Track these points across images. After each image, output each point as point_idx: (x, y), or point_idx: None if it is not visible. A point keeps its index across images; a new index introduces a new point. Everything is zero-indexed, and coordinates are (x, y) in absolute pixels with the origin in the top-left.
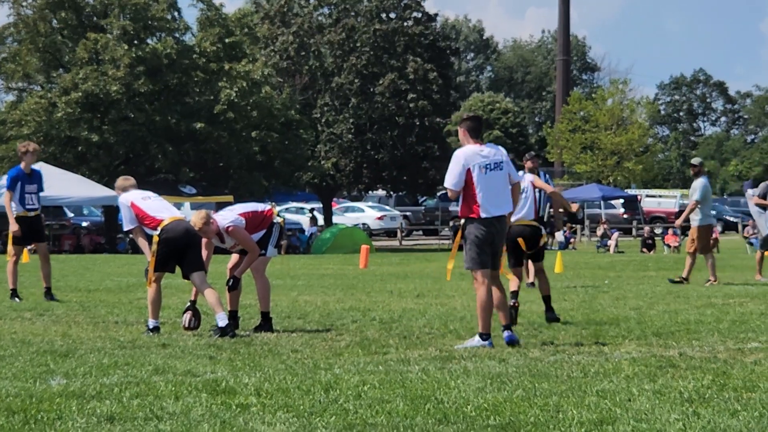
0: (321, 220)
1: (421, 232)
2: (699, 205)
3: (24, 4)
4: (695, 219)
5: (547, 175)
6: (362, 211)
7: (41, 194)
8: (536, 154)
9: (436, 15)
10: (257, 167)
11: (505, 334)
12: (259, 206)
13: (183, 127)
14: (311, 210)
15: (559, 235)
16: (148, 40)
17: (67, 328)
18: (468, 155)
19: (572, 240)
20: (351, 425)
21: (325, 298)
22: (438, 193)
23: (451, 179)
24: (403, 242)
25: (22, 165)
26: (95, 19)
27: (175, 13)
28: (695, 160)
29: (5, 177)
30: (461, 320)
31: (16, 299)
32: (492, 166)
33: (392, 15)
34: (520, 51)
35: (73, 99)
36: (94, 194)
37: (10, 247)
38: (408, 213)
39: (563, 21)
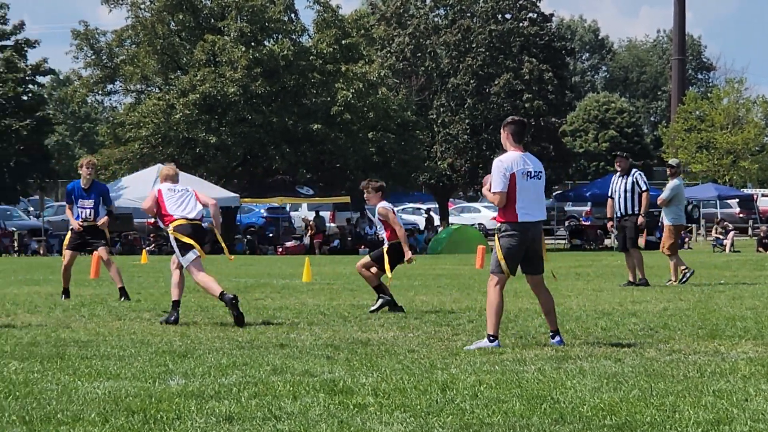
0: (437, 221)
1: None
2: (671, 205)
3: (142, 6)
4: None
5: (638, 175)
6: (478, 211)
7: (107, 206)
8: (625, 155)
9: (552, 15)
10: (374, 168)
11: (555, 339)
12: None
13: (300, 128)
14: (427, 210)
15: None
16: (265, 42)
17: (186, 328)
18: (512, 161)
19: (687, 239)
20: (468, 425)
21: (441, 298)
22: (554, 193)
23: (498, 184)
24: None
25: (81, 180)
26: (212, 21)
27: (292, 15)
28: (673, 161)
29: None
30: (577, 320)
31: (63, 297)
32: (532, 174)
33: (508, 16)
34: (635, 51)
35: (191, 101)
36: (212, 195)
37: (64, 251)
38: None
39: (678, 20)
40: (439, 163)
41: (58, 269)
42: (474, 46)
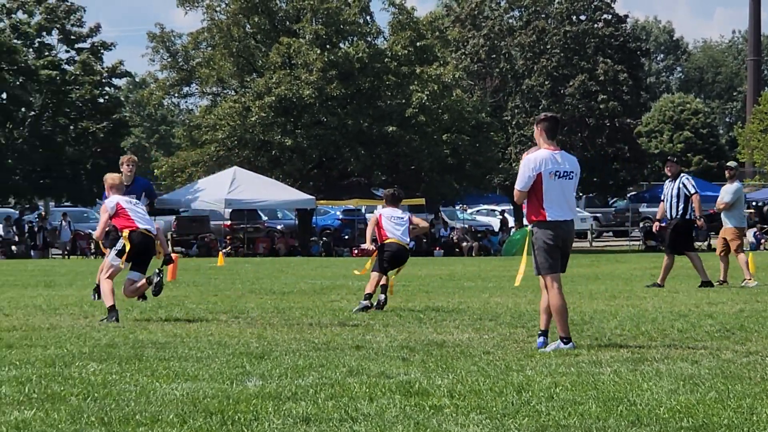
0: (511, 222)
1: (611, 234)
2: (733, 209)
3: (218, 9)
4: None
5: (685, 180)
6: None
7: (148, 202)
8: (675, 160)
9: (627, 16)
10: (448, 170)
11: (540, 339)
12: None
13: (375, 130)
14: (502, 212)
15: (750, 236)
16: (341, 44)
17: (263, 330)
18: (539, 160)
19: (763, 240)
20: (544, 427)
21: (516, 299)
22: (628, 194)
23: (521, 182)
24: (594, 243)
25: (124, 178)
26: (288, 23)
27: (367, 17)
28: (732, 164)
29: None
30: (653, 322)
31: (96, 297)
32: (562, 174)
33: (582, 17)
34: (710, 51)
35: (267, 103)
36: (288, 198)
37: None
38: (598, 214)
39: (753, 21)
40: (513, 164)
41: None
42: (549, 47)
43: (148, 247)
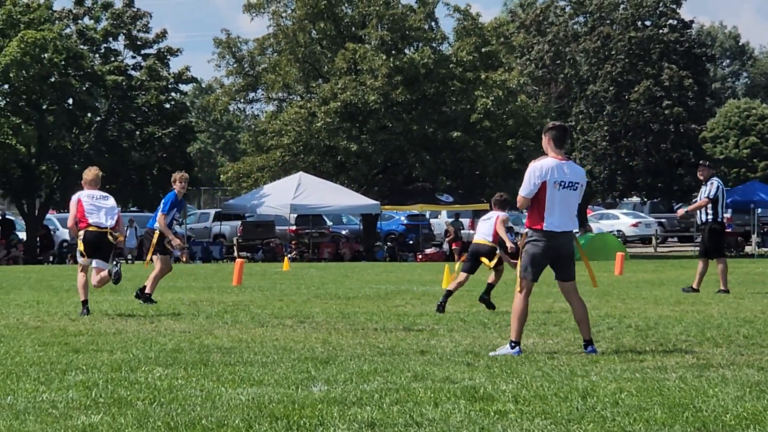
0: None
1: (675, 239)
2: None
3: (283, 15)
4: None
5: (709, 183)
6: (617, 218)
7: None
8: (708, 164)
9: (692, 22)
10: (513, 175)
11: (587, 349)
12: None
13: (440, 136)
14: None
15: None
16: (406, 50)
17: (328, 335)
18: (546, 168)
19: None
20: None
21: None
22: (693, 200)
23: (526, 188)
24: (658, 249)
25: (178, 194)
26: (353, 29)
27: (432, 23)
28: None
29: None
30: (718, 328)
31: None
32: (567, 184)
33: (648, 22)
34: None
35: (332, 109)
36: (353, 203)
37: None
38: (663, 220)
39: None
40: None
41: (201, 276)
42: (613, 53)
43: (100, 240)
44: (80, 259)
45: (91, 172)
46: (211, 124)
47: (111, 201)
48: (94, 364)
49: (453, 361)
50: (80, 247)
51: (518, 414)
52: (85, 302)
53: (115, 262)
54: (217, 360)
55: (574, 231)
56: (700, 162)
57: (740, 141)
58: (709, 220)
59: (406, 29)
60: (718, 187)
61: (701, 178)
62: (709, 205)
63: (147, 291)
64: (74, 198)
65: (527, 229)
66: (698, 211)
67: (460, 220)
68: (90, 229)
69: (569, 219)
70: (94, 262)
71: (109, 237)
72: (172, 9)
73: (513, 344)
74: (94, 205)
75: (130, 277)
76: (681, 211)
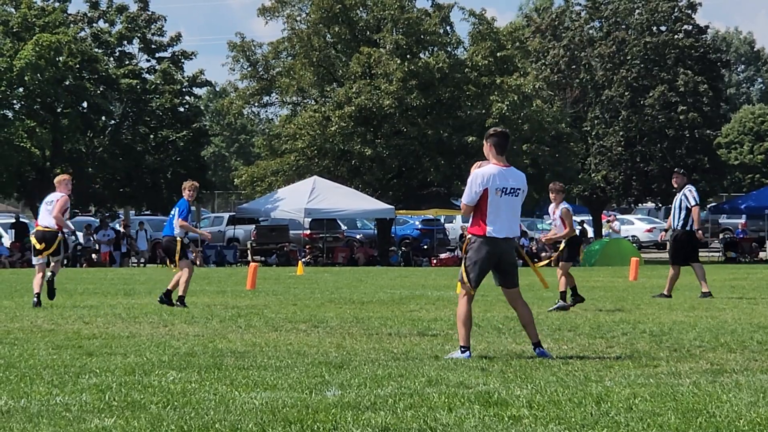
0: (591, 233)
1: None
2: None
3: (298, 19)
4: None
5: (686, 191)
6: (632, 223)
7: None
8: (682, 172)
9: (707, 27)
10: (528, 180)
11: (537, 351)
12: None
13: (455, 140)
14: (581, 223)
15: None
16: (421, 55)
17: (342, 339)
18: (488, 175)
19: None
20: None
21: (595, 310)
22: (708, 206)
23: (468, 196)
24: None
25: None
26: (368, 33)
27: (448, 27)
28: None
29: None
30: (732, 333)
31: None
32: (508, 191)
33: (663, 28)
34: None
35: (347, 113)
36: (368, 207)
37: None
38: None
39: None
40: (593, 175)
41: (215, 280)
42: (629, 58)
43: (45, 240)
44: (35, 259)
45: (60, 178)
46: (225, 127)
47: (52, 197)
48: (108, 367)
49: (467, 366)
50: (33, 243)
51: (532, 419)
52: (38, 294)
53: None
54: (230, 364)
55: (517, 238)
56: (675, 170)
57: (755, 147)
58: (680, 227)
59: (421, 33)
60: (694, 195)
61: (675, 185)
62: (682, 213)
63: (181, 294)
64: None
65: (469, 235)
66: (673, 217)
67: None
68: (40, 228)
69: (511, 224)
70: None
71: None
72: (186, 12)
73: (463, 349)
74: (45, 209)
75: (143, 280)
76: (699, 234)
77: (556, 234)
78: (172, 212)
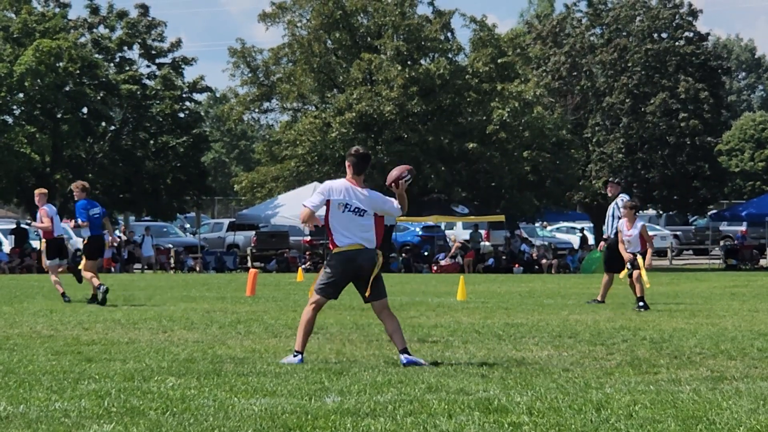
0: (591, 240)
1: (691, 252)
2: None
3: (299, 25)
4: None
5: (618, 200)
6: None
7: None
8: (617, 181)
9: (708, 34)
10: (529, 187)
11: (403, 357)
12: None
13: (456, 147)
14: (581, 230)
15: None
16: (422, 61)
17: (341, 346)
18: (334, 189)
19: None
20: None
21: (595, 317)
22: (709, 213)
23: (311, 201)
24: (674, 262)
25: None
26: (369, 39)
27: (449, 34)
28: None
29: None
30: (732, 341)
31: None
32: (351, 208)
33: (664, 35)
34: None
35: (347, 119)
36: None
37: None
38: (678, 232)
39: None
40: (593, 182)
41: (214, 286)
42: (630, 65)
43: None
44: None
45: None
46: (225, 133)
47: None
48: (107, 373)
49: (467, 373)
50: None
51: (532, 426)
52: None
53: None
54: (230, 370)
55: (377, 252)
56: (609, 179)
57: (756, 154)
58: (613, 235)
59: (422, 40)
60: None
61: (610, 194)
62: (615, 222)
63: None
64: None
65: (329, 250)
66: (607, 226)
67: (479, 231)
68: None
69: (357, 235)
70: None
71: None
72: (186, 18)
73: (296, 353)
74: None
75: (142, 287)
76: (601, 245)
77: (628, 250)
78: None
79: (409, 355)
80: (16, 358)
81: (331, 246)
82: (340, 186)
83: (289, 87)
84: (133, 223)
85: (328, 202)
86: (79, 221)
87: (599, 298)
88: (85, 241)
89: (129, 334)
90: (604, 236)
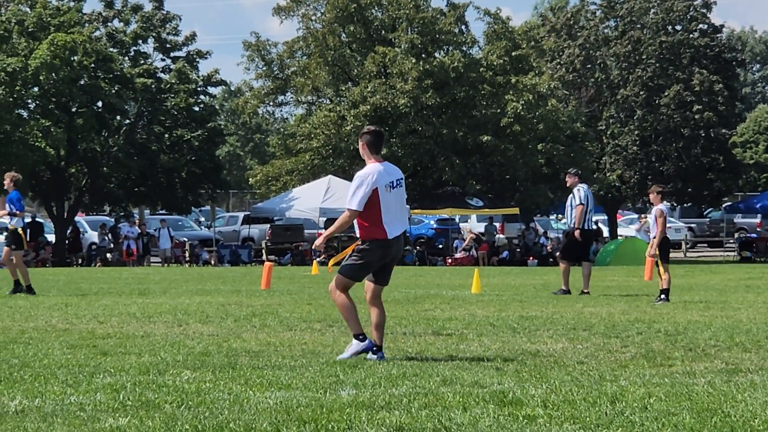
0: (606, 232)
1: (706, 245)
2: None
3: (313, 18)
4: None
5: (575, 190)
6: None
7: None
8: (573, 172)
9: (722, 26)
10: (543, 179)
11: (376, 355)
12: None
13: (470, 139)
14: (596, 222)
15: None
16: (436, 54)
17: None
18: (374, 175)
19: None
20: None
21: (609, 309)
22: (723, 205)
23: (356, 200)
24: (688, 254)
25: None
26: (383, 32)
27: (463, 27)
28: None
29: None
30: (747, 333)
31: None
32: (394, 184)
33: (678, 27)
34: None
35: (362, 112)
36: None
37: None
38: (693, 225)
39: None
40: (608, 174)
41: (229, 279)
42: (644, 57)
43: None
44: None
45: None
46: (240, 127)
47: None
48: (122, 366)
49: (482, 366)
50: None
51: (547, 419)
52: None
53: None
54: (245, 363)
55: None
56: (571, 170)
57: None
58: (572, 226)
59: (436, 33)
60: (585, 194)
61: (568, 185)
62: (574, 212)
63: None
64: None
65: (363, 240)
66: (567, 216)
67: (494, 224)
68: None
69: (402, 219)
70: None
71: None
72: (201, 12)
73: (360, 336)
74: None
75: (158, 280)
76: (576, 234)
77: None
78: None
79: (382, 354)
80: (31, 352)
81: (375, 236)
82: (375, 170)
83: (304, 80)
84: (148, 217)
85: (375, 191)
86: (16, 211)
87: (564, 287)
88: (19, 231)
89: (144, 327)
90: (566, 226)
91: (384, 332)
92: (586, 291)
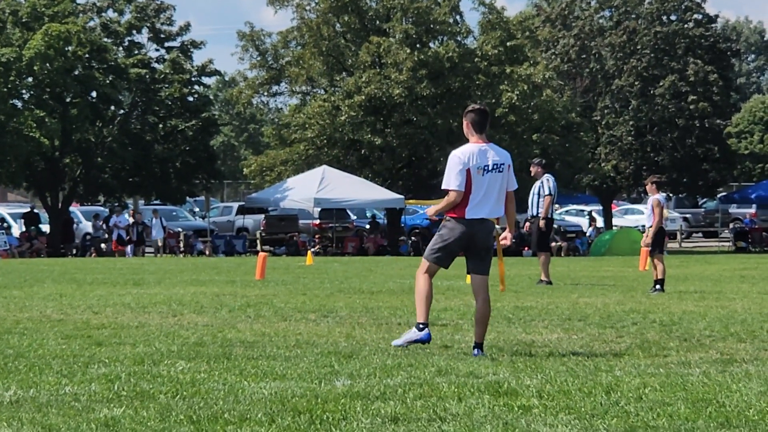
0: (601, 223)
1: (700, 235)
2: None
3: (307, 8)
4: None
5: (544, 180)
6: (641, 213)
7: None
8: (537, 161)
9: (717, 16)
10: None
11: (475, 351)
12: None
13: None
14: (590, 213)
15: None
16: (431, 44)
17: (351, 329)
18: (468, 155)
19: None
20: (632, 428)
21: (605, 300)
22: (718, 195)
23: (455, 181)
24: (683, 244)
25: None
26: (378, 22)
27: (457, 17)
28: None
29: None
30: (742, 323)
31: None
32: (491, 167)
33: (673, 17)
34: None
35: (356, 102)
36: (377, 197)
37: None
38: (688, 215)
39: None
40: (603, 164)
41: (224, 270)
42: (639, 47)
43: None
44: None
45: None
46: (234, 117)
47: None
48: (117, 357)
49: (477, 356)
50: None
51: (542, 409)
52: None
53: None
54: (239, 354)
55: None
56: (535, 160)
57: (765, 136)
58: (537, 215)
59: (431, 23)
60: (554, 185)
61: (533, 174)
62: (539, 201)
63: None
64: None
65: (447, 218)
66: (530, 206)
67: None
68: None
69: (491, 205)
70: None
71: None
72: (195, 2)
73: (421, 326)
74: None
75: (152, 270)
76: (542, 224)
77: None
78: None
79: (482, 351)
80: (26, 342)
81: (454, 214)
82: (470, 150)
83: (298, 70)
84: (143, 207)
85: (468, 171)
86: None
87: (544, 278)
88: None
89: (139, 318)
90: (529, 217)
91: (486, 329)
92: (544, 280)
